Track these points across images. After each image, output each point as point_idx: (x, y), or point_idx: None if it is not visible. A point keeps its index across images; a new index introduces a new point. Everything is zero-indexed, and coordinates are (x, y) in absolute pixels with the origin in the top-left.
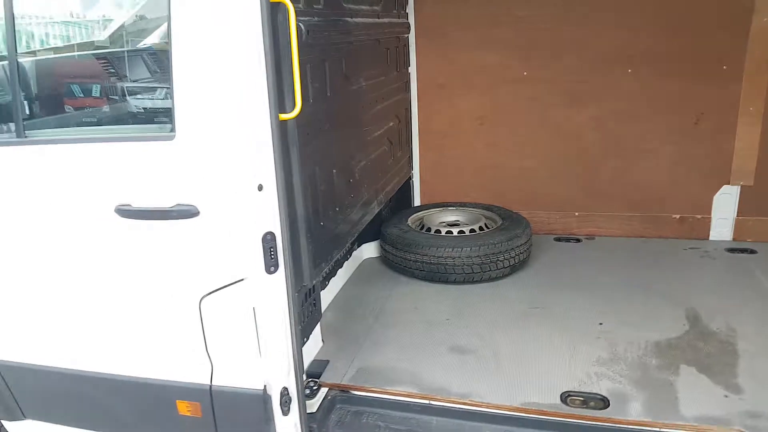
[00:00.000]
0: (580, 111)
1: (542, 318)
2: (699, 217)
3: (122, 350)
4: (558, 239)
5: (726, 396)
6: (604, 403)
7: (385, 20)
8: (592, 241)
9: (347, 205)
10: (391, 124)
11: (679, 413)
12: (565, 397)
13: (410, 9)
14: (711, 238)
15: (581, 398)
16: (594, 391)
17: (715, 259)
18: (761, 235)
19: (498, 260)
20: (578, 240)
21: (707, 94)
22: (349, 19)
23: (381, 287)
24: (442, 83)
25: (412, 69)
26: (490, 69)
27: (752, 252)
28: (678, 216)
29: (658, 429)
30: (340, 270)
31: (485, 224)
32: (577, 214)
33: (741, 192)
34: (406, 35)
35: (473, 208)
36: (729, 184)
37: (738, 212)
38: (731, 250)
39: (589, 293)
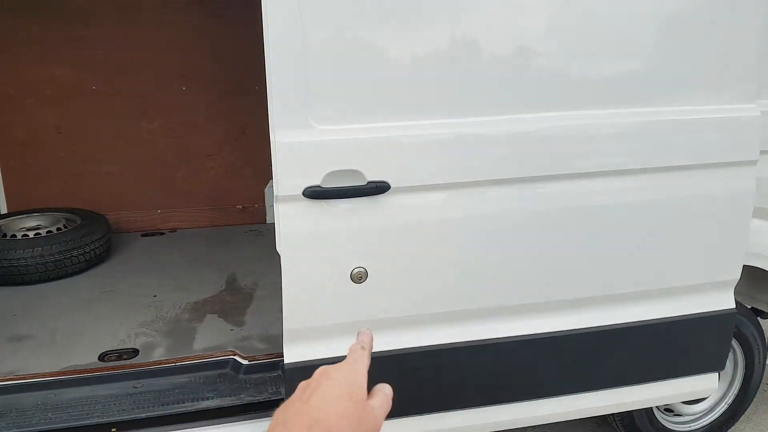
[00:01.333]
0: (150, 122)
1: (108, 300)
2: (256, 206)
3: None
4: (144, 235)
5: (232, 329)
6: (134, 353)
7: None
8: (174, 234)
9: None
10: None
11: (191, 349)
12: (103, 356)
13: None
14: (267, 221)
15: (116, 354)
16: (128, 347)
17: (265, 236)
18: None
19: (73, 256)
20: (162, 233)
21: (249, 109)
22: None
23: None
24: (13, 94)
25: None
26: (61, 82)
27: None
28: (241, 206)
29: (172, 364)
30: None
31: (64, 225)
32: (159, 211)
33: None
34: None
35: (57, 212)
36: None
37: None
38: None
39: (157, 274)
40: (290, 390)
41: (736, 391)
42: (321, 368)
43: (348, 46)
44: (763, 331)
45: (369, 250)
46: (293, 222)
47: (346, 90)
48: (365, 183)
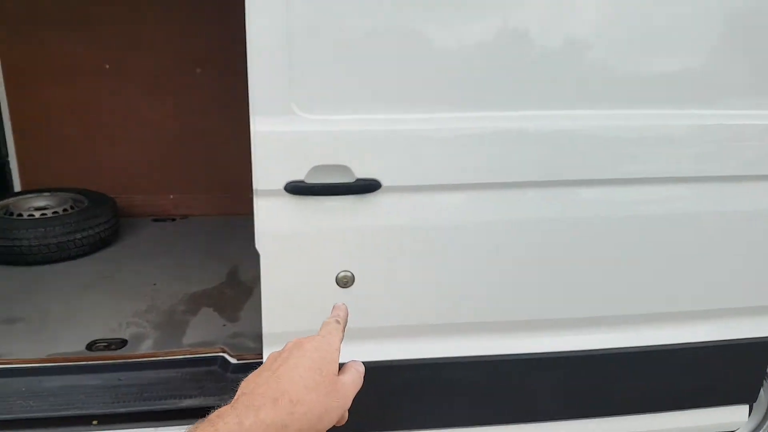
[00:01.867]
0: (162, 103)
1: (106, 286)
2: None
3: None
4: (156, 220)
5: (224, 325)
6: (123, 344)
7: None
8: (185, 220)
9: None
10: None
11: (180, 343)
12: (91, 344)
13: None
14: None
15: (105, 343)
16: (118, 336)
17: None
18: None
19: (76, 239)
20: (174, 219)
21: None
22: None
23: None
24: (28, 72)
25: None
26: (73, 60)
27: None
28: None
29: (158, 358)
30: None
31: (71, 206)
32: (172, 196)
33: None
34: None
35: (66, 192)
36: None
37: None
38: None
39: (160, 261)
40: None
41: None
42: (294, 339)
43: (340, 24)
44: None
45: (357, 253)
46: (273, 219)
47: (337, 75)
48: (354, 180)
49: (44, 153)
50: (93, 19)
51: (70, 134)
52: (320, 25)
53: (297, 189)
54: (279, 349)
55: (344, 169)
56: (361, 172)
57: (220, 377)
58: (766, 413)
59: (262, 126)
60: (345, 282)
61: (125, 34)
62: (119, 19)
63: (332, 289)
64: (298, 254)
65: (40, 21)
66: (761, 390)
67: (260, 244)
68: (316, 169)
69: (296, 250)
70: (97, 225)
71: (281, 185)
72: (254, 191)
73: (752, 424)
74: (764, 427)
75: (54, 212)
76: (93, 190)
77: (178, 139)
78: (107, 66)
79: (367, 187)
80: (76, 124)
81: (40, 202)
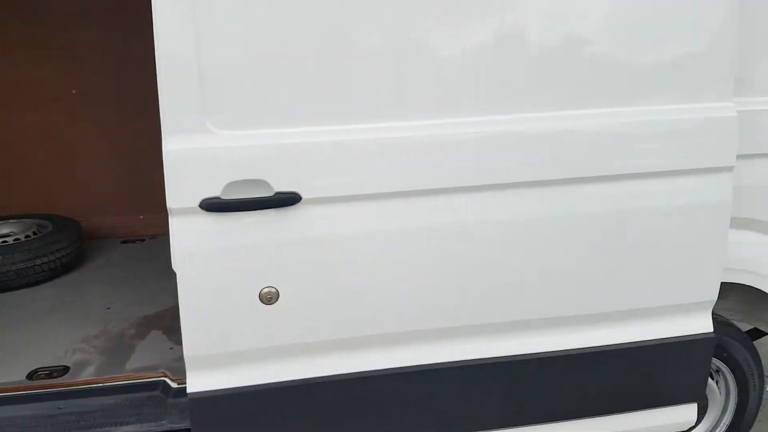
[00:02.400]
0: (131, 123)
1: (61, 312)
2: None
3: None
4: (124, 242)
5: (171, 348)
6: (65, 371)
7: None
8: (154, 240)
9: None
10: None
11: (123, 368)
12: (32, 373)
13: None
14: None
15: (47, 372)
16: (61, 364)
17: None
18: None
19: (36, 265)
20: (143, 240)
21: None
22: None
23: None
24: None
25: None
26: (42, 85)
27: None
28: None
29: (99, 385)
30: None
31: (34, 232)
32: (141, 217)
33: None
34: None
35: (32, 219)
36: None
37: None
38: None
39: (120, 284)
40: (196, 423)
41: (728, 422)
42: None
43: (250, 37)
44: (758, 355)
45: (279, 268)
46: (189, 237)
47: (250, 90)
48: (272, 194)
49: (13, 179)
50: (59, 45)
51: (38, 159)
52: (230, 40)
53: (213, 206)
54: (202, 372)
55: (262, 183)
56: (280, 185)
57: (161, 402)
58: (722, 409)
59: (174, 145)
60: (269, 298)
61: (91, 58)
62: (84, 43)
63: (256, 307)
64: (218, 272)
65: (6, 47)
66: (716, 388)
67: (177, 264)
68: (233, 184)
69: (216, 269)
70: (59, 250)
71: (196, 203)
72: (168, 210)
73: (710, 421)
74: (723, 422)
75: (16, 239)
76: (60, 215)
77: (147, 159)
78: (74, 91)
79: (286, 200)
80: (45, 149)
81: (5, 230)
